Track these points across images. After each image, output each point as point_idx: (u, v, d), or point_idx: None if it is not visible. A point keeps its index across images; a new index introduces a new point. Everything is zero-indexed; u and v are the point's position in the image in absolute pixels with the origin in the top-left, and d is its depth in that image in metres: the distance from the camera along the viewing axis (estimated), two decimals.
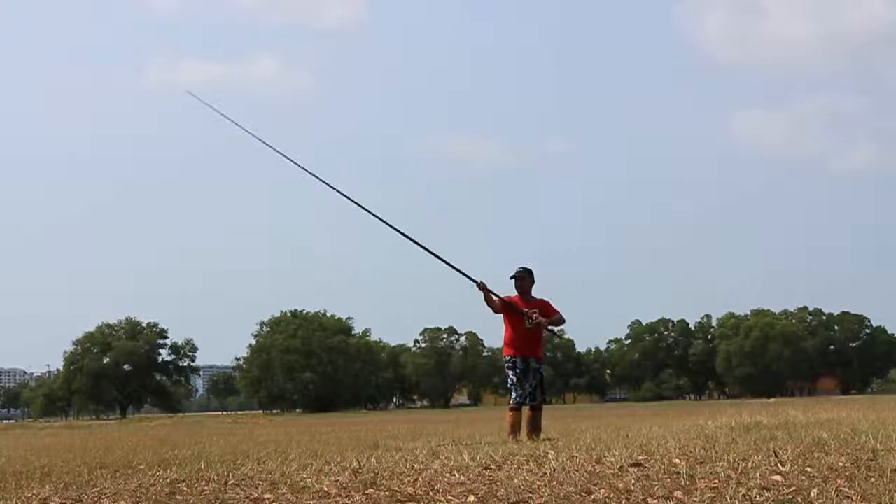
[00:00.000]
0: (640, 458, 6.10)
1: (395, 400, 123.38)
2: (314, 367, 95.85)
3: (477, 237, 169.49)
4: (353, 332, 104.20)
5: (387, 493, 5.13)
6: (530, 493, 4.93)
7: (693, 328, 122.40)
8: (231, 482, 5.96)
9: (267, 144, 10.43)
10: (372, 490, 5.24)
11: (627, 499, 4.68)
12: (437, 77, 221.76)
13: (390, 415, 52.75)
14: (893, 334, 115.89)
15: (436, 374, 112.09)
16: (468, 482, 5.41)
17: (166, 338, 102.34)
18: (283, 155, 10.33)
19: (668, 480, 5.09)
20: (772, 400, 53.35)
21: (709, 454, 6.19)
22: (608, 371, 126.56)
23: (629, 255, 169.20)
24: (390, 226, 9.92)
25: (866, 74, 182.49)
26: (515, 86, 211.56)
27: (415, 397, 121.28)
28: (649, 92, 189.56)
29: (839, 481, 4.83)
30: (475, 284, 9.67)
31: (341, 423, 28.72)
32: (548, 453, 6.64)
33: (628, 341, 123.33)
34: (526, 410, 9.86)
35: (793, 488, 4.69)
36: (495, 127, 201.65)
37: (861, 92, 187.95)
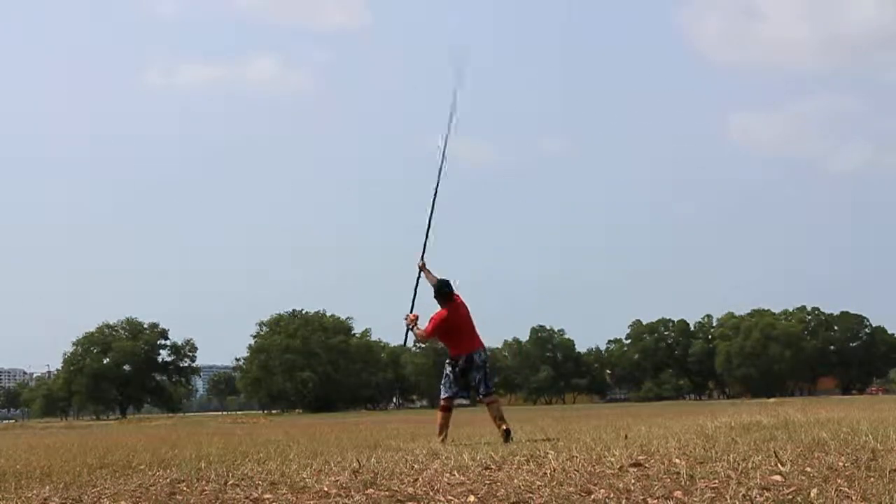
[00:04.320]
0: (640, 458, 6.10)
1: (394, 400, 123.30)
2: (314, 367, 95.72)
3: (477, 237, 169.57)
4: (353, 332, 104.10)
5: (387, 493, 5.13)
6: (530, 493, 4.93)
7: (693, 328, 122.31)
8: (231, 482, 5.96)
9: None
10: (372, 490, 5.24)
11: (627, 499, 4.68)
12: (437, 78, 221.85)
13: (390, 415, 52.72)
14: (893, 334, 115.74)
15: (435, 374, 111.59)
16: (468, 482, 5.41)
17: (167, 338, 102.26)
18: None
19: (668, 480, 5.09)
20: (772, 400, 53.30)
21: (709, 454, 6.19)
22: (608, 371, 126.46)
23: (629, 255, 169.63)
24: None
25: (864, 76, 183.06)
26: (515, 87, 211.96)
27: (414, 397, 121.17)
28: (649, 93, 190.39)
29: (839, 481, 4.83)
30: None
31: (341, 423, 28.70)
32: (548, 453, 6.64)
33: (628, 341, 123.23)
34: (486, 405, 9.91)
35: (793, 488, 4.69)
36: (495, 128, 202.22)
37: (859, 93, 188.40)
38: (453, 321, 9.77)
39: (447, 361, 9.95)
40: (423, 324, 9.95)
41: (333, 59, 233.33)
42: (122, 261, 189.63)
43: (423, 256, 10.13)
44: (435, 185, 10.32)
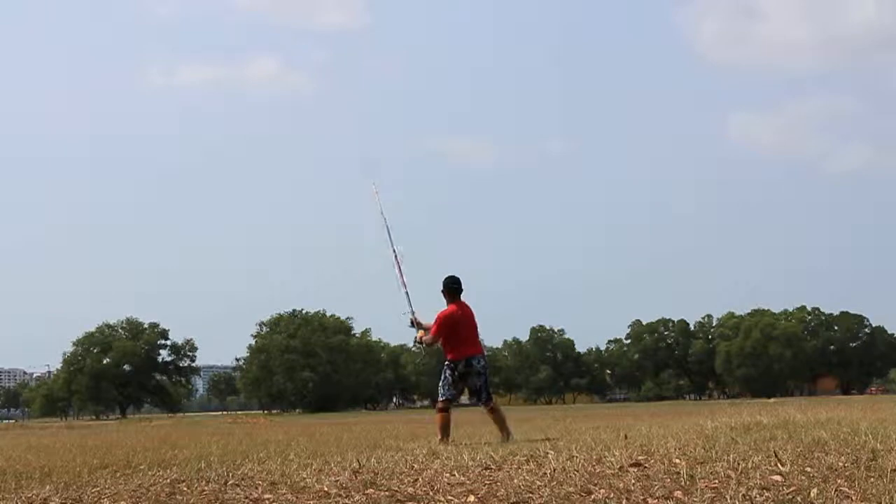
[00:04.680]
0: (640, 458, 6.10)
1: (395, 400, 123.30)
2: (314, 366, 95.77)
3: (477, 238, 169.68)
4: (353, 332, 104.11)
5: (387, 493, 5.13)
6: (530, 493, 4.93)
7: (693, 328, 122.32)
8: (231, 482, 5.96)
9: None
10: (372, 490, 5.24)
11: (627, 499, 4.68)
12: (438, 78, 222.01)
13: (390, 415, 52.72)
14: (893, 334, 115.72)
15: (436, 374, 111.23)
16: (468, 482, 5.41)
17: (167, 338, 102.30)
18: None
19: (668, 480, 5.08)
20: (772, 400, 53.32)
21: (709, 454, 6.19)
22: (608, 371, 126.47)
23: (629, 255, 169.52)
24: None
25: (863, 76, 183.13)
26: (516, 87, 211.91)
27: (415, 397, 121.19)
28: (649, 93, 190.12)
29: (839, 481, 4.82)
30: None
31: (341, 423, 28.70)
32: (548, 453, 6.64)
33: (628, 341, 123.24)
34: (487, 412, 9.95)
35: (793, 488, 4.69)
36: (496, 128, 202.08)
37: (859, 94, 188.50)
38: (458, 320, 9.76)
39: (446, 364, 9.91)
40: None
41: (333, 59, 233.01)
42: (122, 261, 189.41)
43: (412, 311, 10.16)
44: (393, 252, 10.37)
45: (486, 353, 10.29)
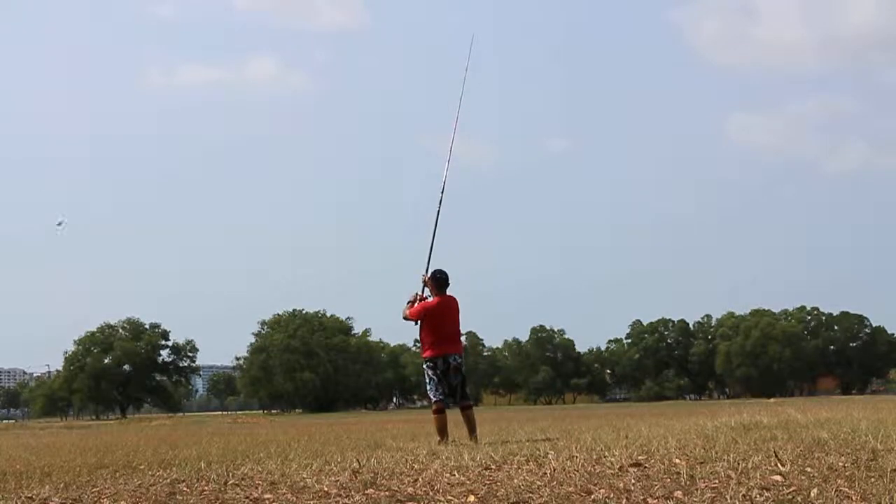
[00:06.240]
0: (640, 458, 6.11)
1: (395, 400, 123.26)
2: (314, 366, 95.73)
3: (478, 237, 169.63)
4: (353, 332, 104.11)
5: (387, 493, 5.13)
6: (530, 493, 4.93)
7: (693, 328, 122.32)
8: (231, 482, 5.96)
9: None
10: (372, 490, 5.24)
11: (627, 499, 4.68)
12: (437, 77, 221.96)
13: (390, 415, 52.73)
14: (893, 334, 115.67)
15: None
16: (468, 482, 5.41)
17: (168, 339, 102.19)
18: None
19: (668, 480, 5.09)
20: (772, 400, 53.31)
21: (709, 454, 6.19)
22: (608, 371, 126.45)
23: (629, 255, 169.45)
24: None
25: (862, 76, 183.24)
26: (516, 86, 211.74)
27: (415, 397, 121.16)
28: (650, 93, 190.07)
29: (839, 481, 4.82)
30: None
31: (341, 423, 28.70)
32: (548, 453, 6.65)
33: (628, 341, 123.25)
34: (460, 412, 9.97)
35: (793, 488, 4.69)
36: (496, 127, 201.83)
37: (858, 94, 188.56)
38: (438, 312, 9.77)
39: (426, 364, 9.90)
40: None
41: (333, 59, 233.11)
42: (122, 261, 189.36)
43: (427, 271, 10.12)
44: (438, 206, 10.41)
45: (467, 352, 10.28)
